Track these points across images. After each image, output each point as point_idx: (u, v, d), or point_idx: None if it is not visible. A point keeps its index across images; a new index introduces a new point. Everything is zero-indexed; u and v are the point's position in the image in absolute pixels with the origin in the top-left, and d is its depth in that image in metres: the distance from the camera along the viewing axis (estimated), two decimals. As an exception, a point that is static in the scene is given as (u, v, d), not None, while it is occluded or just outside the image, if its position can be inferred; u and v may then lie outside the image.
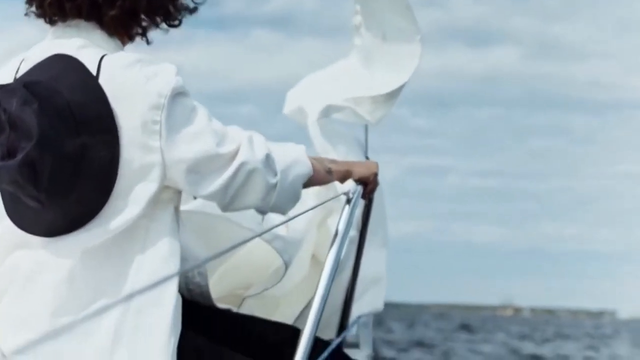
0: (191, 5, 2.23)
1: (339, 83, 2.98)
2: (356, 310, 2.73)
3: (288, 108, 3.06)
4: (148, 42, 2.22)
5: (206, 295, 2.39)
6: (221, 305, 2.48)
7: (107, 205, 2.03)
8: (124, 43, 2.19)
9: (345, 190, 2.39)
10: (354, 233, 2.66)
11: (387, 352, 21.92)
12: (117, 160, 2.01)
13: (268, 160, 2.13)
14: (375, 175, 2.48)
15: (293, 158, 2.20)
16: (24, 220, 2.08)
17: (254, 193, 2.13)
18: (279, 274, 2.58)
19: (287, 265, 2.55)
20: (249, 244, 2.53)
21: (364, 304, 2.79)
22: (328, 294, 2.19)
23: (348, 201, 2.37)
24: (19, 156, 1.95)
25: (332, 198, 2.41)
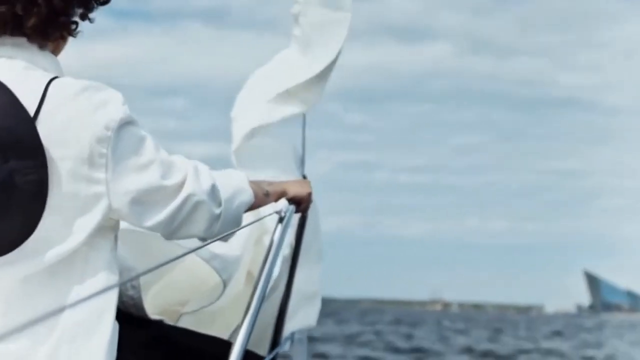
0: None
1: (277, 77, 3.06)
2: (290, 326, 2.77)
3: (234, 112, 3.14)
4: (75, 36, 2.15)
5: (139, 307, 2.40)
6: (155, 316, 2.50)
7: (42, 233, 2.01)
8: (59, 47, 2.15)
9: (278, 208, 2.44)
10: (287, 250, 2.70)
11: (319, 347, 22.11)
12: (46, 186, 1.98)
13: (213, 191, 2.13)
14: (309, 194, 2.53)
15: (236, 187, 2.22)
16: None
17: (199, 224, 2.13)
18: (217, 292, 2.60)
19: (225, 284, 2.57)
20: (187, 262, 2.55)
21: (298, 320, 2.84)
22: (259, 310, 2.23)
23: (281, 219, 2.42)
24: None
25: (266, 216, 2.45)
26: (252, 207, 2.29)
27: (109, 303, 2.04)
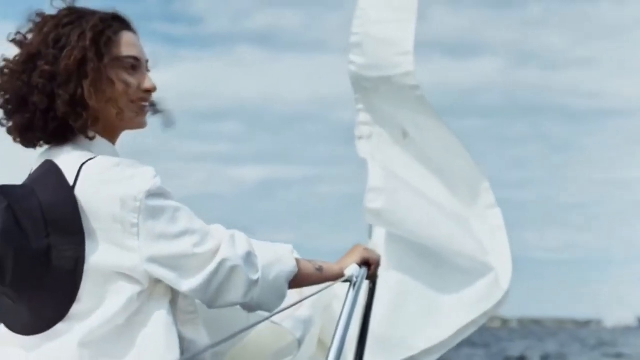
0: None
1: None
2: None
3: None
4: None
5: None
6: None
7: (81, 304, 2.09)
8: (110, 123, 2.23)
9: (350, 274, 2.45)
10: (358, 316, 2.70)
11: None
12: (82, 263, 2.06)
13: (249, 257, 2.18)
14: (379, 257, 2.56)
15: (276, 256, 2.25)
16: (5, 318, 2.17)
17: (236, 289, 2.18)
18: (291, 350, 2.61)
19: (300, 342, 2.58)
20: (259, 328, 2.56)
21: None
22: None
23: (352, 285, 2.42)
24: None
25: (336, 282, 2.45)
26: (301, 281, 2.33)
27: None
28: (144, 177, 2.10)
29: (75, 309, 2.09)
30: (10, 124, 2.20)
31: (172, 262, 2.10)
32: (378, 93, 3.03)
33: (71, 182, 2.10)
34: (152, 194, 2.09)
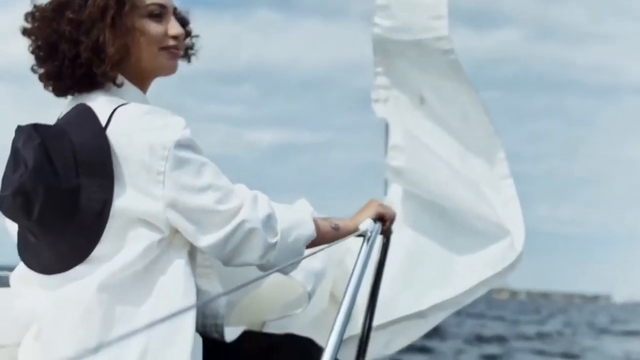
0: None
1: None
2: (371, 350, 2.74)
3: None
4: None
5: (221, 333, 2.43)
6: (241, 325, 2.55)
7: (103, 248, 2.10)
8: (139, 72, 2.26)
9: (364, 228, 2.43)
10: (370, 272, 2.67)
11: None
12: (109, 205, 2.08)
13: (269, 220, 2.19)
14: (394, 214, 2.53)
15: (296, 219, 2.26)
16: (26, 256, 2.18)
17: (252, 251, 2.18)
18: (301, 302, 2.61)
19: (310, 295, 2.57)
20: (271, 278, 2.55)
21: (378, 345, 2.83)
22: (344, 332, 2.21)
23: (366, 239, 2.40)
24: (15, 184, 2.05)
25: (350, 236, 2.43)
26: (318, 242, 2.33)
27: (187, 319, 2.12)
28: (175, 127, 2.11)
29: (96, 251, 2.10)
30: (42, 70, 2.23)
31: (192, 215, 2.11)
32: (402, 57, 3.02)
33: (103, 126, 2.11)
34: (181, 145, 2.10)
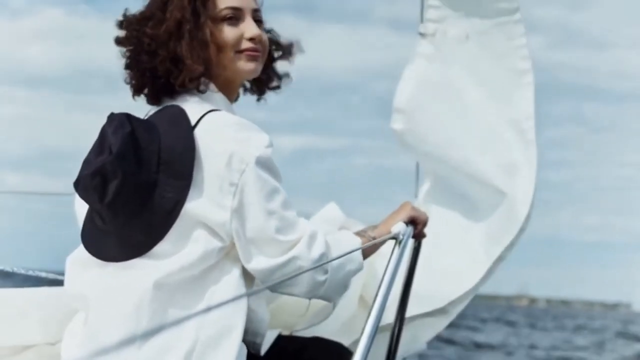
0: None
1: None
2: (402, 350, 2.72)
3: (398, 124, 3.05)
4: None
5: (258, 350, 2.40)
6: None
7: (165, 247, 2.12)
8: (226, 81, 2.29)
9: (396, 231, 2.40)
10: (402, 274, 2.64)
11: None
12: (180, 206, 2.10)
13: (321, 259, 2.19)
14: (427, 218, 2.51)
15: (347, 256, 2.26)
16: (88, 240, 2.20)
17: (299, 287, 2.22)
18: (326, 311, 2.60)
19: (334, 304, 2.55)
20: None
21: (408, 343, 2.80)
22: (374, 336, 2.18)
23: (398, 242, 2.37)
24: (96, 165, 2.06)
25: (381, 239, 2.40)
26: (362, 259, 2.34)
27: (237, 322, 2.13)
28: (259, 144, 2.13)
29: (158, 247, 2.12)
30: (132, 81, 2.28)
31: (251, 235, 2.13)
32: None
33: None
34: (261, 163, 2.11)
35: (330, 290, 2.25)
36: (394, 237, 2.39)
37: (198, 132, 2.13)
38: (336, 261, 2.22)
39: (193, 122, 2.15)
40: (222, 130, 2.13)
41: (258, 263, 2.15)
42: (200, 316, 2.11)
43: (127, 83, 2.29)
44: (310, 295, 2.24)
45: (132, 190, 2.08)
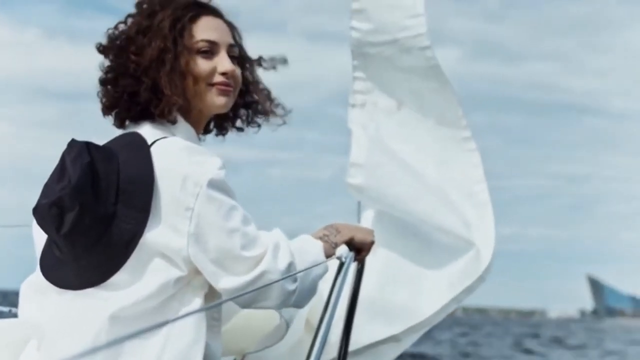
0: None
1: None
2: None
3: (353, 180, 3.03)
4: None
5: None
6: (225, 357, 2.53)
7: (121, 275, 2.11)
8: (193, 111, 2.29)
9: (338, 254, 2.41)
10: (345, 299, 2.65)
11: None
12: (138, 237, 2.09)
13: (289, 268, 2.20)
14: (372, 242, 2.52)
15: (313, 261, 2.28)
16: (45, 265, 2.18)
17: (271, 299, 2.21)
18: (280, 332, 2.59)
19: (288, 324, 2.56)
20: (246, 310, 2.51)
21: None
22: (320, 357, 2.20)
23: (341, 265, 2.38)
24: (54, 195, 2.05)
25: (325, 261, 2.39)
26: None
27: (196, 356, 2.13)
28: (210, 166, 2.12)
29: (114, 278, 2.10)
30: (104, 100, 2.27)
31: (216, 256, 2.12)
32: (381, 58, 3.02)
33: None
34: (214, 185, 2.11)
35: (301, 297, 2.26)
36: (338, 258, 2.39)
37: (153, 158, 2.12)
38: (303, 267, 2.23)
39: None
40: (175, 154, 2.13)
41: (227, 282, 2.14)
42: (159, 349, 2.09)
43: (99, 98, 2.28)
44: (283, 305, 2.25)
45: (90, 222, 2.06)
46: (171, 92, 2.20)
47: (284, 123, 2.45)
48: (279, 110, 2.43)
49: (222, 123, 2.42)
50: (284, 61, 2.45)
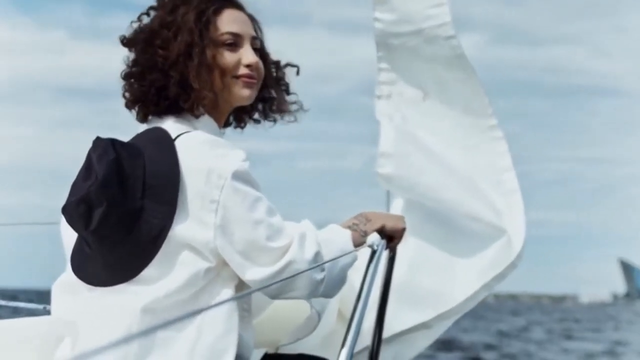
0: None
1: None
2: None
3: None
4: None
5: None
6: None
7: (151, 270, 2.12)
8: (215, 105, 2.30)
9: (370, 242, 2.40)
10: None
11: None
12: (167, 231, 2.11)
13: (316, 258, 2.20)
14: (403, 229, 2.51)
15: (341, 249, 2.28)
16: (76, 264, 2.20)
17: (300, 289, 2.22)
18: (312, 324, 2.60)
19: (319, 315, 2.57)
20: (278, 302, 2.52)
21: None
22: (354, 349, 2.20)
23: (373, 253, 2.38)
24: (82, 192, 2.07)
25: (357, 249, 2.39)
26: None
27: (229, 346, 2.15)
28: (234, 158, 2.14)
29: (144, 273, 2.12)
30: (128, 95, 2.28)
31: (242, 248, 2.13)
32: (405, 49, 3.01)
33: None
34: (238, 176, 2.13)
35: (329, 287, 2.26)
36: (370, 246, 2.39)
37: (177, 153, 2.14)
38: (331, 256, 2.23)
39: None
40: (198, 149, 2.15)
41: (254, 274, 2.15)
42: (192, 340, 2.12)
43: (123, 92, 2.29)
44: (311, 295, 2.26)
45: (117, 218, 2.08)
46: (200, 86, 2.21)
47: (295, 120, 2.46)
48: (293, 107, 2.44)
49: (240, 115, 2.43)
50: (296, 71, 2.46)
